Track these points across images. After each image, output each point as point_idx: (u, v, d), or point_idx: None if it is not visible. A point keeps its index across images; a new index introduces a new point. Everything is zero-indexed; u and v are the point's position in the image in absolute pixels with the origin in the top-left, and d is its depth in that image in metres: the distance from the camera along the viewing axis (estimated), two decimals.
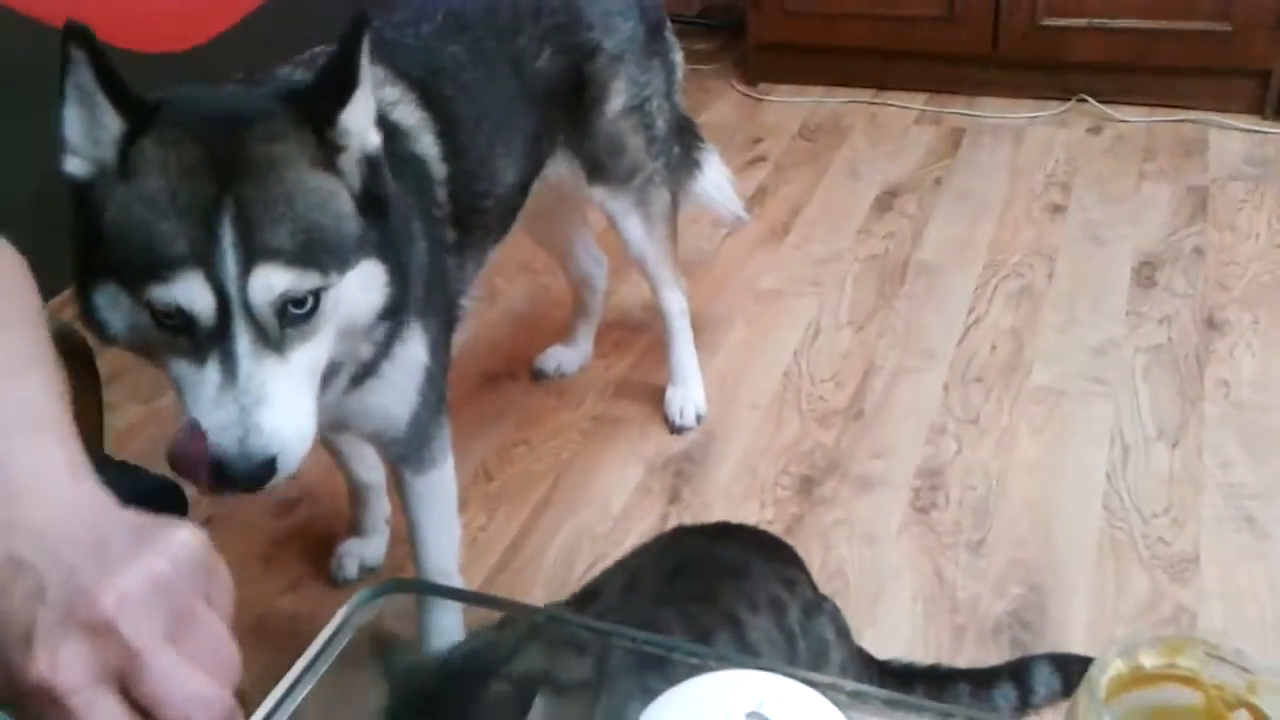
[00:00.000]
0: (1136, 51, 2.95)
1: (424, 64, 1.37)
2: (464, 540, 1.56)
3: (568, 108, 1.64)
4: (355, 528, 1.76)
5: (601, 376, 2.18)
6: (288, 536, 1.82)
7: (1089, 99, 3.04)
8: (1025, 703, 1.41)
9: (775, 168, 2.89)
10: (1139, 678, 0.55)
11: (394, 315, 1.12)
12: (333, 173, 1.04)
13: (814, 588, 1.22)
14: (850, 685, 0.69)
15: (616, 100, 1.69)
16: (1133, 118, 2.97)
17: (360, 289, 1.06)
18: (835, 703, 0.66)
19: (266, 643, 1.59)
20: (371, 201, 1.07)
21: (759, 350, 2.21)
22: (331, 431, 1.46)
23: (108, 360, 2.13)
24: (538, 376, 2.17)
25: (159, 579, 0.59)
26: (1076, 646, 1.51)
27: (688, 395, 2.04)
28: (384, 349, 1.26)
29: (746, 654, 0.95)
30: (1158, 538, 1.70)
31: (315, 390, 1.05)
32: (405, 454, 1.39)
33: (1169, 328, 2.18)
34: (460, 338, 1.50)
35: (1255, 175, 2.69)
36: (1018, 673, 1.43)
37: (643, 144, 1.76)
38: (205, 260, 0.96)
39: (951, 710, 0.69)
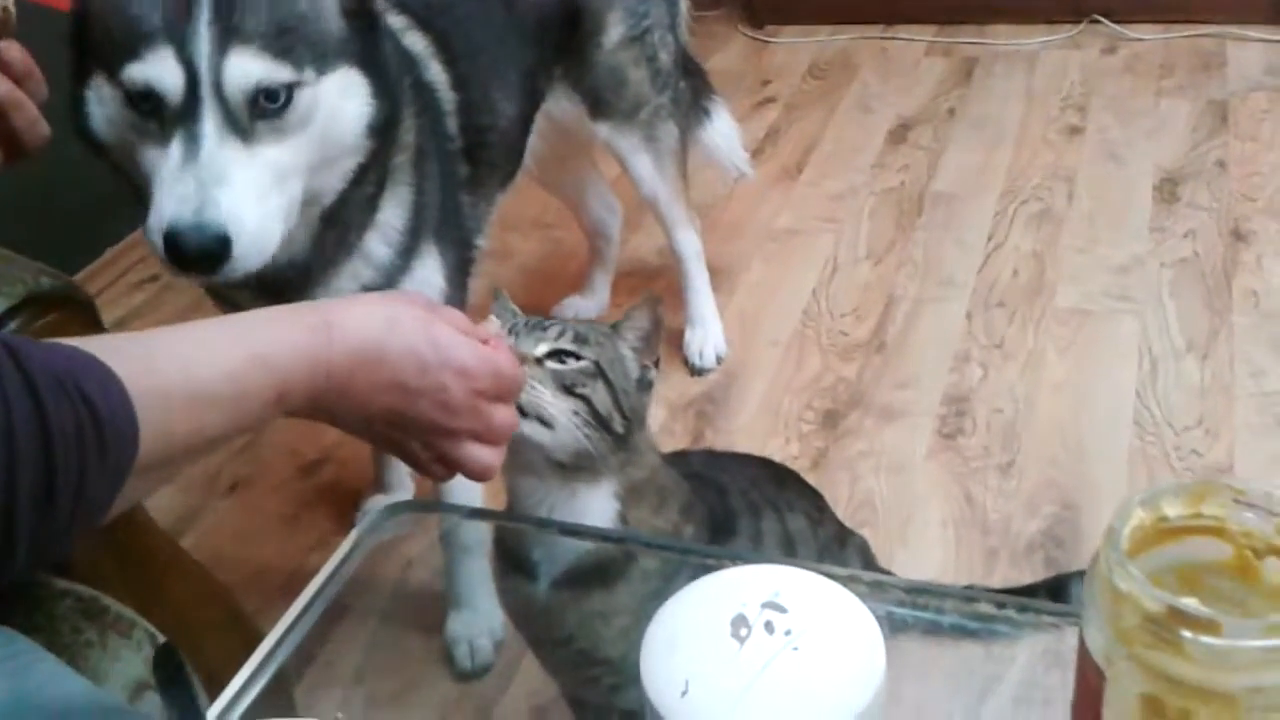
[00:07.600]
0: None
1: None
2: (488, 486, 1.55)
3: (564, 40, 1.62)
4: (379, 484, 1.75)
5: None
6: (313, 497, 1.81)
7: (1102, 19, 2.97)
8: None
9: (785, 108, 2.84)
10: (1162, 531, 0.52)
11: (381, 135, 1.10)
12: None
13: (841, 525, 1.21)
14: (869, 576, 0.68)
15: (614, 31, 1.66)
16: (1148, 35, 2.90)
17: (340, 95, 1.04)
18: (856, 594, 0.65)
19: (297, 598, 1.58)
20: (359, 12, 1.06)
21: (777, 289, 2.19)
22: None
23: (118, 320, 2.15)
24: None
25: None
26: None
27: (706, 336, 2.01)
28: (401, 263, 1.24)
29: (788, 542, 0.94)
30: (1191, 449, 1.67)
31: (287, 201, 1.03)
32: None
33: (1194, 241, 2.14)
34: (475, 284, 1.48)
35: (1276, 85, 2.62)
36: (1054, 590, 1.40)
37: (646, 77, 1.73)
38: (177, 37, 0.96)
39: (974, 594, 0.67)
